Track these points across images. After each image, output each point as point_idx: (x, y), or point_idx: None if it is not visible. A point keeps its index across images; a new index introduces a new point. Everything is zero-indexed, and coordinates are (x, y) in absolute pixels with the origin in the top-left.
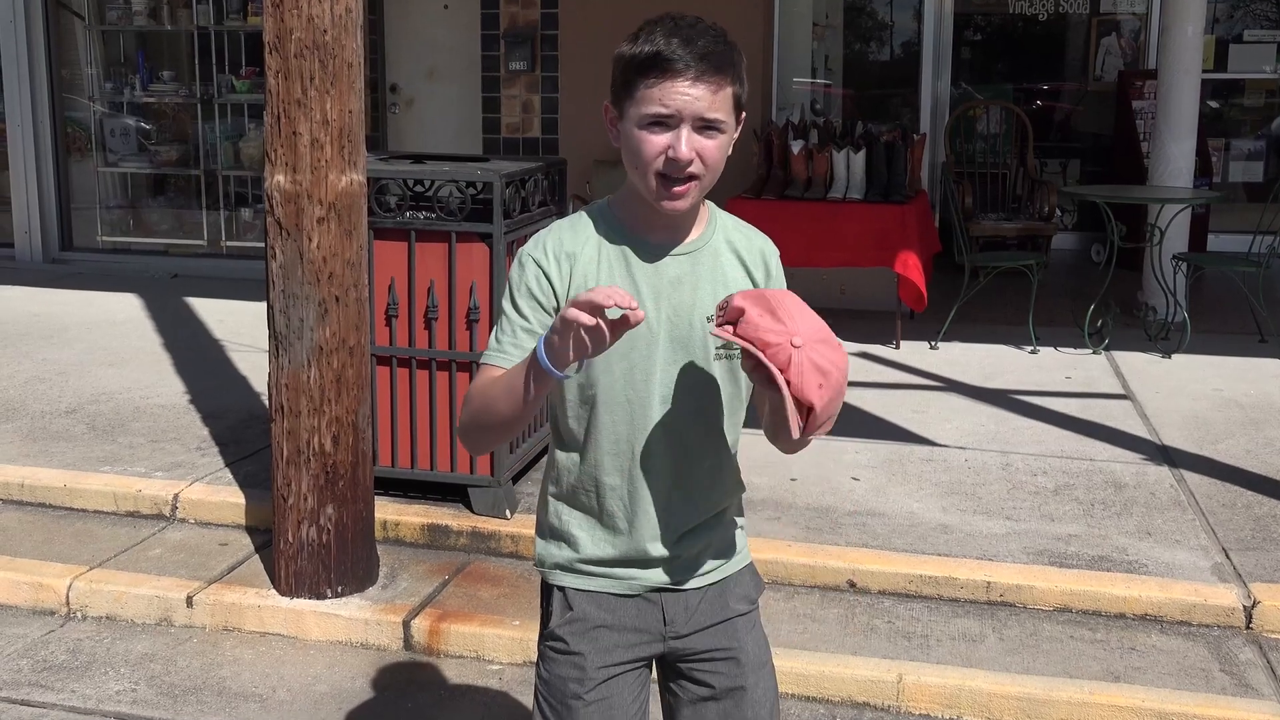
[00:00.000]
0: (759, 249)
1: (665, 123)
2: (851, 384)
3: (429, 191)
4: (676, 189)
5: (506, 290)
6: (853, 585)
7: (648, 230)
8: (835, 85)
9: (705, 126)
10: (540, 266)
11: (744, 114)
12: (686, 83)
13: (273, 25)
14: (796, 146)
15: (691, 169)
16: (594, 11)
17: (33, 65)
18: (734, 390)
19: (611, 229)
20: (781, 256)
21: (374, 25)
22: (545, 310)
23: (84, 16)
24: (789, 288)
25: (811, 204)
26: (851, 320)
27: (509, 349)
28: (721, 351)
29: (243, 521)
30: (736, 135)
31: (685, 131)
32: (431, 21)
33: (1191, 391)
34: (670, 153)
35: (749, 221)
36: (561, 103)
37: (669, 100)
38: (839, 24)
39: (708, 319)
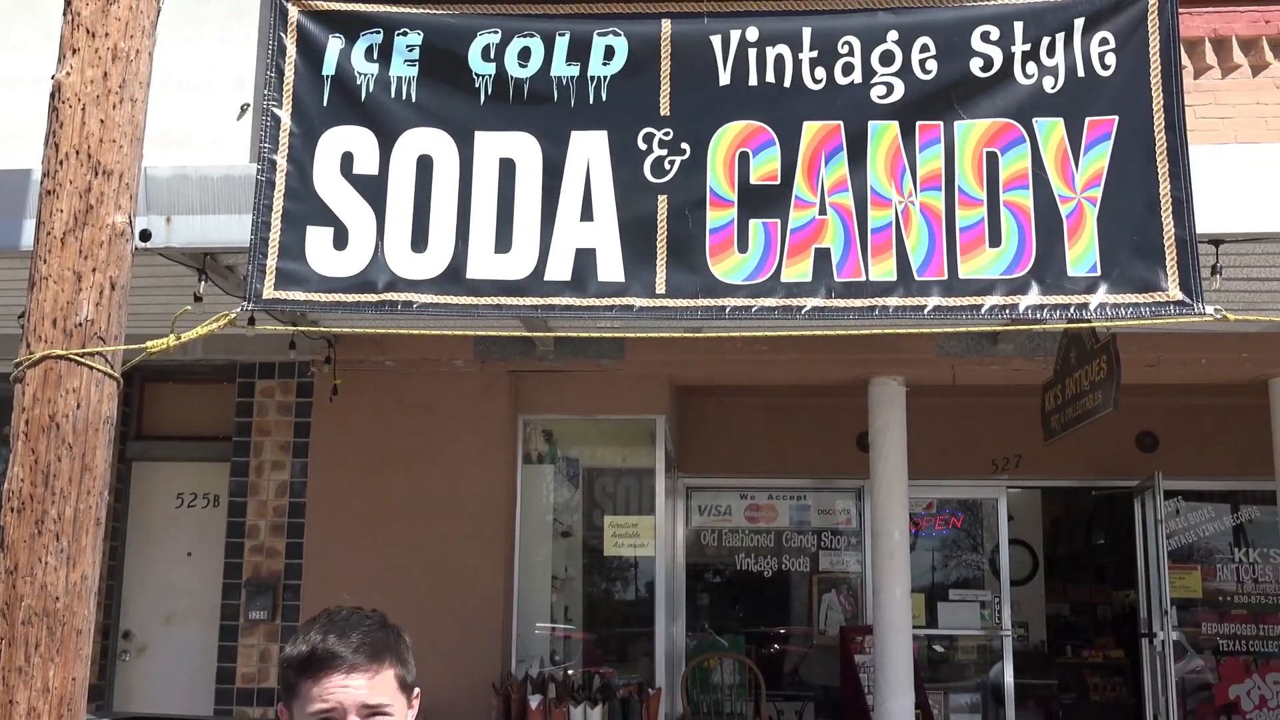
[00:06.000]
0: None
1: (330, 717)
2: None
3: None
4: None
5: None
6: None
7: None
8: (576, 629)
9: (371, 714)
10: None
11: (417, 691)
12: (342, 675)
13: (3, 591)
14: (535, 701)
15: None
16: (337, 562)
17: None
18: None
19: None
20: None
21: (113, 570)
22: None
23: None
24: None
25: None
26: None
27: None
28: None
29: None
30: (413, 713)
31: None
32: (174, 567)
33: None
34: None
35: None
36: None
37: (328, 695)
38: (578, 574)
39: None
